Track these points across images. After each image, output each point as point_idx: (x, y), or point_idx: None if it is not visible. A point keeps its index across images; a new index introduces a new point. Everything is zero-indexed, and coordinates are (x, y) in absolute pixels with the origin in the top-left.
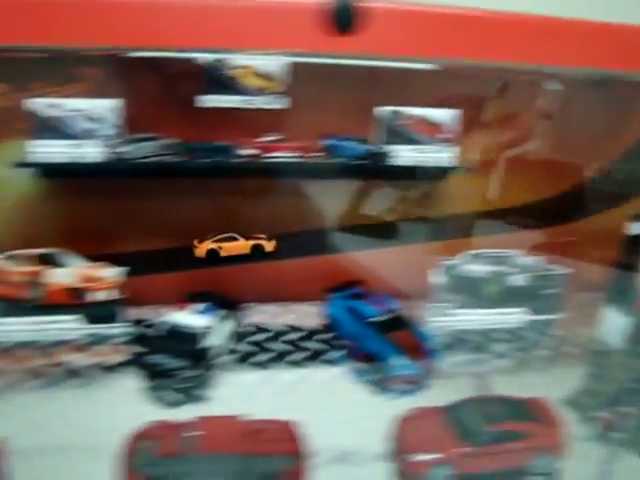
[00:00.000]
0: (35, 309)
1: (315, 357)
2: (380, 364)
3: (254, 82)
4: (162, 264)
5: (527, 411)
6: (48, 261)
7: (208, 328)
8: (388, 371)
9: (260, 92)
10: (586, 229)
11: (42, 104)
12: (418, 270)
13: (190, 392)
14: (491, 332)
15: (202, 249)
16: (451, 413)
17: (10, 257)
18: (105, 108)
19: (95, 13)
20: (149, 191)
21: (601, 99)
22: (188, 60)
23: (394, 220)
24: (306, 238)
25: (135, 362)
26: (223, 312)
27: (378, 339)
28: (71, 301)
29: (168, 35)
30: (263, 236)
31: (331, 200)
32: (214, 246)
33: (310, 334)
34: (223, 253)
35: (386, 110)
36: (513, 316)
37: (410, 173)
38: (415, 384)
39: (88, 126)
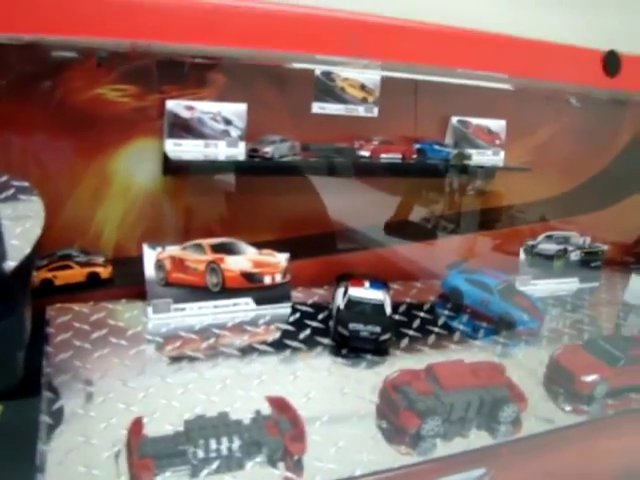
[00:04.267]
0: (214, 294)
1: (446, 325)
2: (506, 323)
3: (356, 93)
4: (302, 251)
5: (638, 342)
6: (223, 249)
7: (384, 300)
8: (517, 326)
9: (361, 102)
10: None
11: (179, 105)
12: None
13: (382, 352)
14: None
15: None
16: (589, 347)
17: (189, 247)
18: (233, 111)
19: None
20: (279, 187)
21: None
22: (303, 71)
23: (471, 211)
24: (414, 226)
25: (324, 332)
26: (386, 288)
27: (505, 303)
28: (246, 285)
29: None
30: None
31: (427, 195)
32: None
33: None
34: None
35: (456, 119)
36: (571, 285)
37: (479, 172)
38: (535, 335)
39: (219, 127)
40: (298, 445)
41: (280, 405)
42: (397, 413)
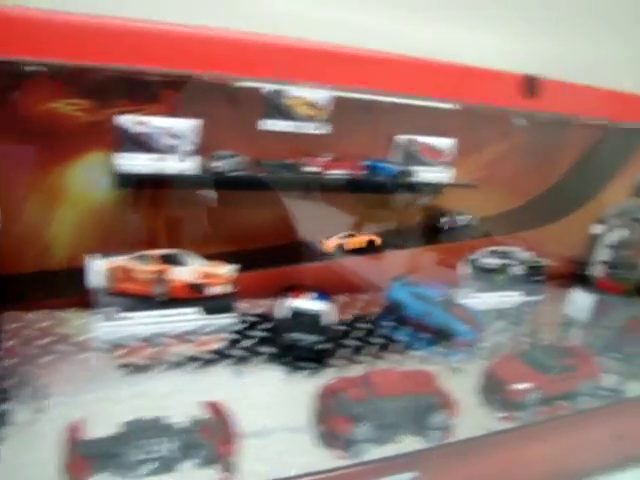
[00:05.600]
0: (160, 303)
1: (387, 337)
2: (446, 334)
3: (306, 111)
4: (251, 263)
5: (571, 352)
6: (170, 260)
7: (327, 311)
8: (456, 336)
9: (311, 119)
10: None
11: (130, 120)
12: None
13: (321, 361)
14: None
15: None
16: (525, 357)
17: (136, 257)
18: (185, 127)
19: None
20: (229, 201)
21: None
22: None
23: (417, 226)
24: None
25: (267, 341)
26: (329, 300)
27: (444, 314)
28: (192, 295)
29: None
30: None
31: (374, 210)
32: None
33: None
34: None
35: (403, 138)
36: (514, 298)
37: (423, 188)
38: (472, 346)
39: (171, 142)
40: (228, 447)
41: (215, 410)
42: (331, 418)
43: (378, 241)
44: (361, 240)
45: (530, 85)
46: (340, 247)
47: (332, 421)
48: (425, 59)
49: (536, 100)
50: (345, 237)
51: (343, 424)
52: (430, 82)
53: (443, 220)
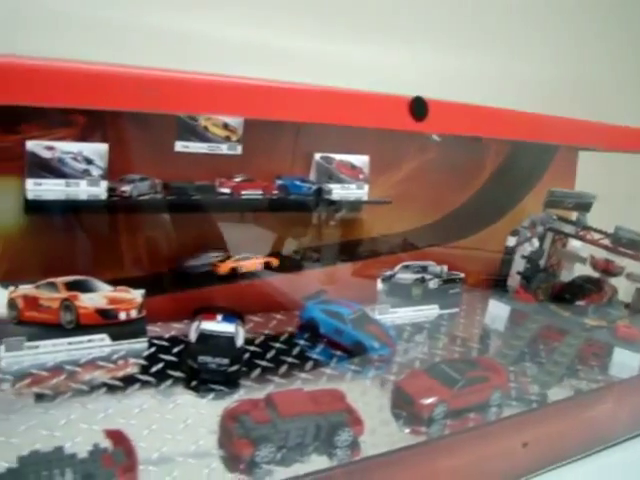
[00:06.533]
0: (68, 331)
1: (302, 354)
2: (358, 351)
3: (219, 132)
4: (163, 287)
5: (479, 364)
6: (76, 287)
7: (236, 332)
8: (368, 353)
9: (225, 140)
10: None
11: (38, 145)
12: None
13: (231, 384)
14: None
15: None
16: (431, 371)
17: (41, 286)
18: (94, 151)
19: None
20: (138, 225)
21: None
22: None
23: (335, 243)
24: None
25: (177, 365)
26: (238, 320)
27: (356, 331)
28: (101, 321)
29: None
30: None
31: (290, 228)
32: None
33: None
34: None
35: (319, 155)
36: (430, 311)
37: (341, 206)
38: (386, 362)
39: (80, 167)
40: (129, 475)
41: (117, 438)
42: (232, 441)
43: (275, 262)
44: (255, 262)
45: (419, 107)
46: (234, 270)
47: (234, 444)
48: (313, 86)
49: (426, 123)
50: (240, 260)
51: (245, 447)
52: (321, 107)
53: None
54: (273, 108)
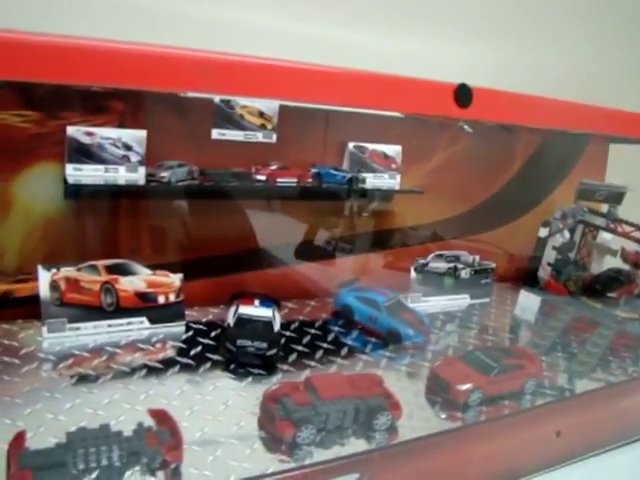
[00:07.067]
0: (109, 313)
1: (336, 340)
2: (392, 338)
3: (255, 120)
4: (200, 271)
5: (514, 352)
6: (118, 270)
7: (273, 317)
8: (403, 340)
9: (260, 128)
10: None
11: (78, 131)
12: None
13: (269, 367)
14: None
15: None
16: (466, 358)
17: (83, 268)
18: (133, 137)
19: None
20: (177, 211)
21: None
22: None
23: (370, 232)
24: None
25: (215, 349)
26: (274, 306)
27: (391, 319)
28: (140, 305)
29: None
30: None
31: (324, 217)
32: None
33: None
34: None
35: (352, 145)
36: (462, 301)
37: (374, 195)
38: (421, 349)
39: (119, 153)
40: (175, 454)
41: (161, 417)
42: (274, 423)
43: None
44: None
45: (465, 94)
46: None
47: (274, 426)
48: (361, 71)
49: (470, 110)
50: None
51: (287, 428)
52: (368, 93)
53: None
54: (321, 93)
